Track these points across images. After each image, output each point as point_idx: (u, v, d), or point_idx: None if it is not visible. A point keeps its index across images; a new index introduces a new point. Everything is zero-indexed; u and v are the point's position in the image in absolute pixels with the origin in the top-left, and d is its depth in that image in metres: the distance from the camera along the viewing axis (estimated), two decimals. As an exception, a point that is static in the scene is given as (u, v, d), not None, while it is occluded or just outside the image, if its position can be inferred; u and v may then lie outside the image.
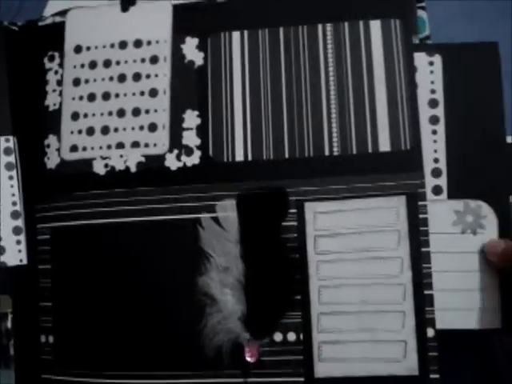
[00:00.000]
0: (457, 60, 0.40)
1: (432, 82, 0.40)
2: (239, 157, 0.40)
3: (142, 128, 0.41)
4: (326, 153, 0.39)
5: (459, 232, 0.38)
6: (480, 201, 0.38)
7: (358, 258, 0.38)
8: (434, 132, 0.40)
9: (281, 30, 0.41)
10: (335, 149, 0.39)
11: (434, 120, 0.40)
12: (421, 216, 0.38)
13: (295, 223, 0.39)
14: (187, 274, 0.39)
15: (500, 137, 0.39)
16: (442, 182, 0.39)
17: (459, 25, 0.45)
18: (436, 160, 0.39)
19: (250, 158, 0.40)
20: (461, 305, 0.38)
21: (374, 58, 0.40)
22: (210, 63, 0.41)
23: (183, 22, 0.42)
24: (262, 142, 0.40)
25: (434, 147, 0.39)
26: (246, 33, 0.41)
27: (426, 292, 0.38)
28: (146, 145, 0.41)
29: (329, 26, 0.41)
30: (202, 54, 0.41)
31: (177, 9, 0.42)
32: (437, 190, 0.39)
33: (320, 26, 0.41)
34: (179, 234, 0.40)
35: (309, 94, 0.40)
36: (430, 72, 0.40)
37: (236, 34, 0.41)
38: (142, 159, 0.41)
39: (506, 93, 0.39)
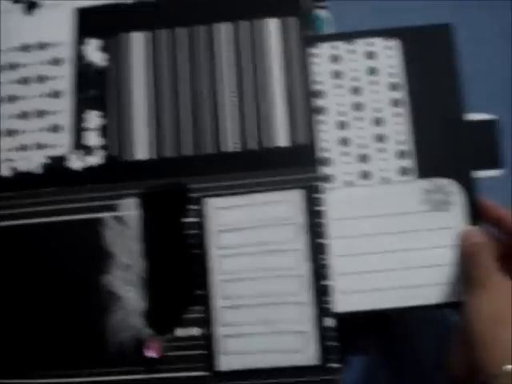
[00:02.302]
0: (414, 43, 0.41)
1: (391, 67, 0.41)
2: (141, 155, 0.40)
3: (45, 130, 0.41)
4: (226, 149, 0.40)
5: (428, 210, 0.39)
6: (446, 178, 0.39)
7: (258, 251, 0.39)
8: (397, 114, 0.40)
9: (180, 30, 0.42)
10: (235, 145, 0.40)
11: (395, 103, 0.40)
12: (318, 208, 0.39)
13: (197, 219, 0.40)
14: (91, 273, 0.39)
15: (459, 115, 0.40)
16: (408, 162, 0.40)
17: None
18: (400, 142, 0.40)
19: (151, 156, 0.40)
20: (431, 280, 0.38)
21: (271, 55, 0.41)
22: (112, 64, 0.42)
23: (85, 24, 0.42)
24: (163, 140, 0.40)
25: (397, 129, 0.40)
26: (146, 34, 0.42)
27: (324, 282, 0.38)
28: (50, 146, 0.41)
29: (227, 25, 0.41)
30: (103, 55, 0.42)
31: (79, 11, 0.43)
32: (404, 171, 0.40)
33: (219, 26, 0.41)
34: (83, 234, 0.40)
35: (208, 92, 0.41)
36: (388, 56, 0.41)
37: (137, 35, 0.42)
38: (46, 160, 0.41)
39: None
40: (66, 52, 0.42)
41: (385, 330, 0.42)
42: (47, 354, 0.39)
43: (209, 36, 0.41)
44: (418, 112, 0.40)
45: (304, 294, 0.38)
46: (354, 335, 0.39)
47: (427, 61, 0.40)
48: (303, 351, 0.38)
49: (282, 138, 0.40)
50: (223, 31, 0.41)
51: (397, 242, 0.39)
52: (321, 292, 0.38)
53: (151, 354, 0.38)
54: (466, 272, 0.37)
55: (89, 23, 0.42)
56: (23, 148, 0.41)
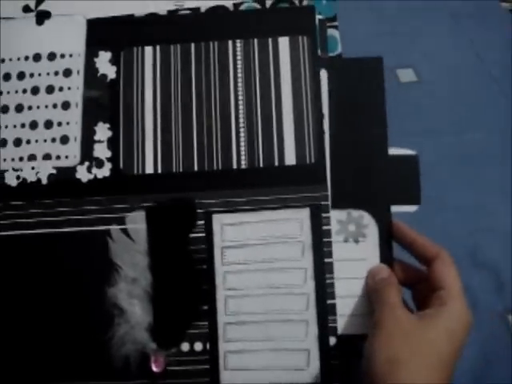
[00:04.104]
0: (342, 74, 0.41)
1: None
2: (149, 169, 0.41)
3: (53, 140, 0.41)
4: (234, 166, 0.40)
5: (342, 241, 0.40)
6: (362, 210, 0.40)
7: (263, 268, 0.39)
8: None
9: (192, 45, 0.42)
10: (243, 162, 0.40)
11: None
12: (324, 227, 0.39)
13: (203, 234, 0.40)
14: (96, 286, 0.40)
15: (383, 148, 0.40)
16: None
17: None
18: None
19: (159, 170, 0.41)
20: (343, 311, 0.39)
21: (281, 73, 0.41)
22: (123, 77, 0.42)
23: (97, 36, 0.42)
24: (171, 154, 0.41)
25: None
26: (158, 48, 0.42)
27: (329, 301, 0.39)
28: (58, 157, 0.41)
29: (239, 43, 0.42)
30: (114, 68, 0.42)
31: (91, 23, 0.43)
32: None
33: (230, 43, 0.42)
34: (89, 246, 0.40)
35: (218, 109, 0.41)
36: None
37: (148, 49, 0.42)
38: (54, 171, 0.41)
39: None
40: (77, 63, 0.42)
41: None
42: (51, 366, 0.39)
43: (221, 52, 0.41)
44: (339, 142, 0.40)
45: (309, 312, 0.39)
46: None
47: (354, 93, 0.41)
48: (306, 369, 0.38)
49: (289, 156, 0.40)
50: (235, 48, 0.41)
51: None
52: (325, 311, 0.39)
53: (154, 368, 0.39)
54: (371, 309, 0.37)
55: (100, 35, 0.42)
56: (31, 158, 0.41)
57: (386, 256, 0.39)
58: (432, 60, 0.42)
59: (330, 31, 0.43)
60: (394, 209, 0.40)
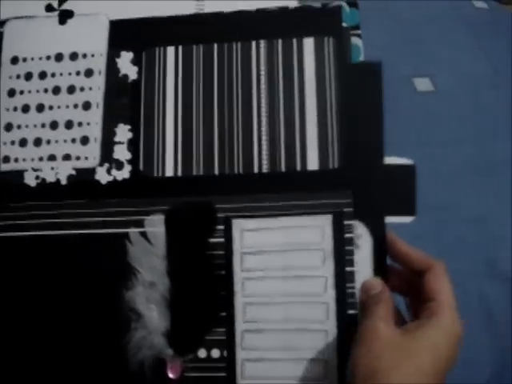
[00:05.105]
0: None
1: None
2: (169, 172, 0.40)
3: (74, 141, 0.41)
4: (255, 170, 0.39)
5: None
6: (355, 220, 0.38)
7: (283, 275, 0.38)
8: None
9: (215, 46, 0.41)
10: (264, 166, 0.39)
11: None
12: (346, 235, 0.38)
13: (222, 240, 0.39)
14: (114, 289, 0.39)
15: (379, 157, 0.39)
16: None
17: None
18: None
19: (179, 173, 0.40)
20: None
21: (306, 75, 0.40)
22: (144, 78, 0.41)
23: (119, 36, 0.42)
24: (192, 157, 0.40)
25: None
26: (180, 48, 0.41)
27: (349, 311, 0.38)
28: (78, 158, 0.41)
29: (262, 43, 0.41)
30: (136, 69, 0.41)
31: (113, 23, 0.42)
32: None
33: (254, 43, 0.41)
34: (107, 249, 0.40)
35: (240, 111, 0.40)
36: None
37: (170, 50, 0.41)
38: (73, 172, 0.41)
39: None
40: (98, 64, 0.42)
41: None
42: (66, 370, 0.39)
43: (244, 53, 0.41)
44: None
45: (328, 322, 0.38)
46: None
47: (352, 98, 0.39)
48: (324, 380, 0.37)
49: (312, 160, 0.39)
50: (258, 49, 0.41)
51: None
52: (346, 321, 0.38)
53: (170, 374, 0.38)
54: None
55: (122, 36, 0.42)
56: (51, 158, 0.41)
57: (380, 268, 0.38)
58: (449, 69, 0.41)
59: (354, 40, 0.42)
60: (389, 219, 0.38)
